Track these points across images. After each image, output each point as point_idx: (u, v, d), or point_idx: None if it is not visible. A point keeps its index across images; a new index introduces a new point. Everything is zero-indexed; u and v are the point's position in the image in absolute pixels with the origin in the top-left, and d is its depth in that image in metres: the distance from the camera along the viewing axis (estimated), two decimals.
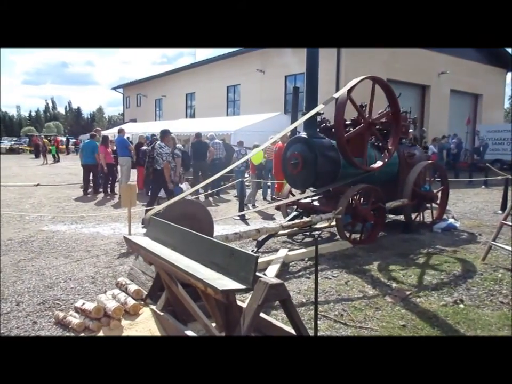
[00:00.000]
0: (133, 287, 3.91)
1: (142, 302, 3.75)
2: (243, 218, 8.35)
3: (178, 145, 12.38)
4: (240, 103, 22.64)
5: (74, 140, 41.35)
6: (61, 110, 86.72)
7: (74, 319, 3.49)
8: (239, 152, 11.82)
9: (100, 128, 16.90)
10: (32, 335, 3.41)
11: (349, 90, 6.05)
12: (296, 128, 6.51)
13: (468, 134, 18.32)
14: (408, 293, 4.36)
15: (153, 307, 3.54)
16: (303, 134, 6.44)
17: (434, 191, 7.60)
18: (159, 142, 7.98)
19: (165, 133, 7.97)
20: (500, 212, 8.71)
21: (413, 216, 7.32)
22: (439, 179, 8.05)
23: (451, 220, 7.64)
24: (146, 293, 3.83)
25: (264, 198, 11.19)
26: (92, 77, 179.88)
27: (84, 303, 3.61)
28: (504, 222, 5.50)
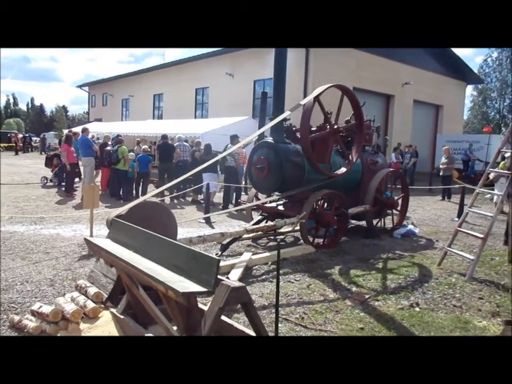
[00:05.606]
0: (92, 290, 3.83)
1: (102, 305, 3.68)
2: (208, 221, 8.32)
3: (145, 146, 12.25)
4: (209, 105, 22.56)
5: (37, 138, 39.83)
6: (22, 106, 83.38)
7: (30, 323, 3.39)
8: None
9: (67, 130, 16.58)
10: None
11: (315, 98, 6.18)
12: (263, 133, 6.58)
13: (488, 145, 16.69)
14: (367, 296, 4.49)
15: (114, 310, 3.48)
16: (270, 139, 6.51)
17: (395, 198, 7.85)
18: (229, 144, 10.11)
19: (235, 137, 10.19)
20: (456, 219, 9.06)
21: (375, 222, 7.53)
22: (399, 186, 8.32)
23: (410, 226, 7.91)
24: (106, 296, 3.76)
25: (231, 202, 11.15)
26: (55, 73, 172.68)
27: (40, 306, 3.51)
28: (459, 228, 5.74)
